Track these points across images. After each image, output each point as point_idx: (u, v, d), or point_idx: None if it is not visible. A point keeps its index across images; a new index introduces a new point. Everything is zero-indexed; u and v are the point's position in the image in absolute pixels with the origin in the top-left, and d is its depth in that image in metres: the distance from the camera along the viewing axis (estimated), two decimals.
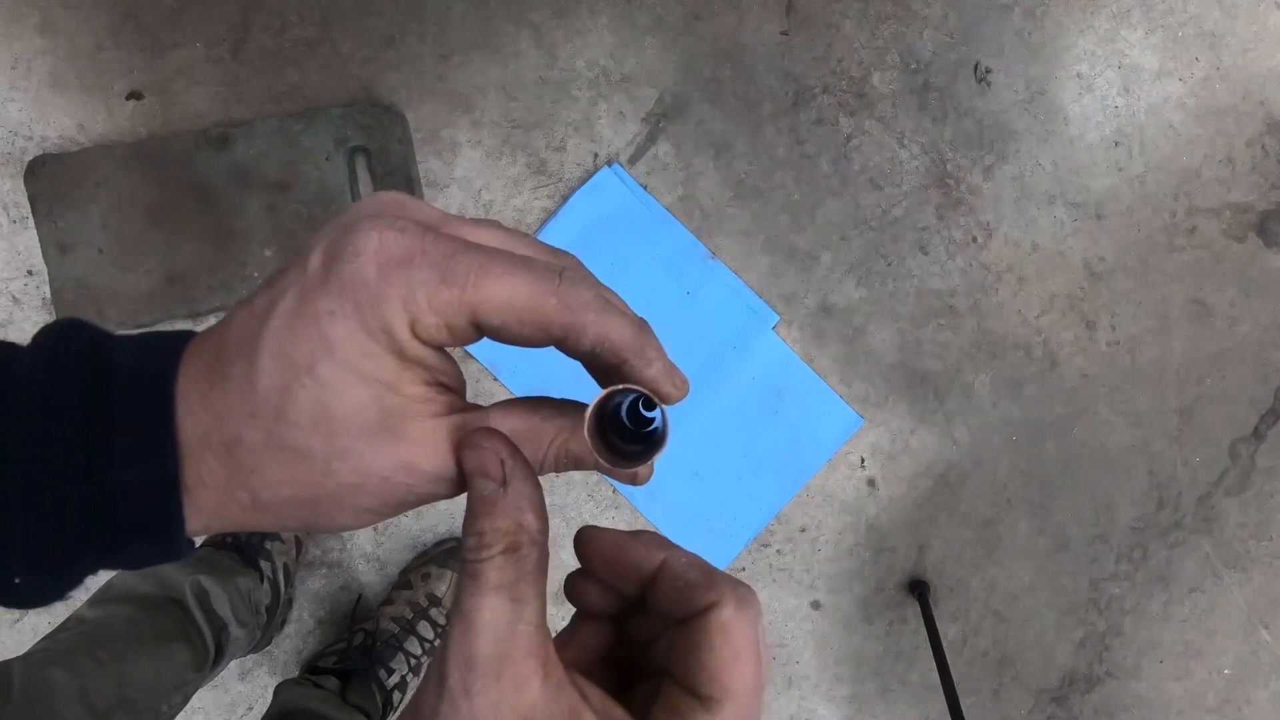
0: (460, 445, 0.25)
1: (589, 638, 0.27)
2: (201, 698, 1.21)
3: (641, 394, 0.26)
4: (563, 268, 0.25)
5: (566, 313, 0.24)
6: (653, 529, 1.22)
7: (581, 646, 0.27)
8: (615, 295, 0.26)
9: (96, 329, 0.25)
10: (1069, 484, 1.26)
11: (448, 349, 0.25)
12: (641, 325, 0.26)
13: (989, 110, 1.20)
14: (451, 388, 0.26)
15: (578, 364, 0.27)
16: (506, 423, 0.26)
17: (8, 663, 0.78)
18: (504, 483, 0.24)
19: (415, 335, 0.23)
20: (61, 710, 0.77)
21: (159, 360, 0.24)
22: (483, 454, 0.24)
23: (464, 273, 0.23)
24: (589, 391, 0.26)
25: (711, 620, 0.23)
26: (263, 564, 1.08)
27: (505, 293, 0.23)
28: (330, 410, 0.23)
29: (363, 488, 0.24)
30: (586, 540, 0.26)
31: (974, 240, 1.22)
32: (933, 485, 1.25)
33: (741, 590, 0.24)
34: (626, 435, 0.27)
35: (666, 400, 0.26)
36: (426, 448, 0.24)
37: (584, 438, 0.25)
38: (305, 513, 0.25)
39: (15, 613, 1.19)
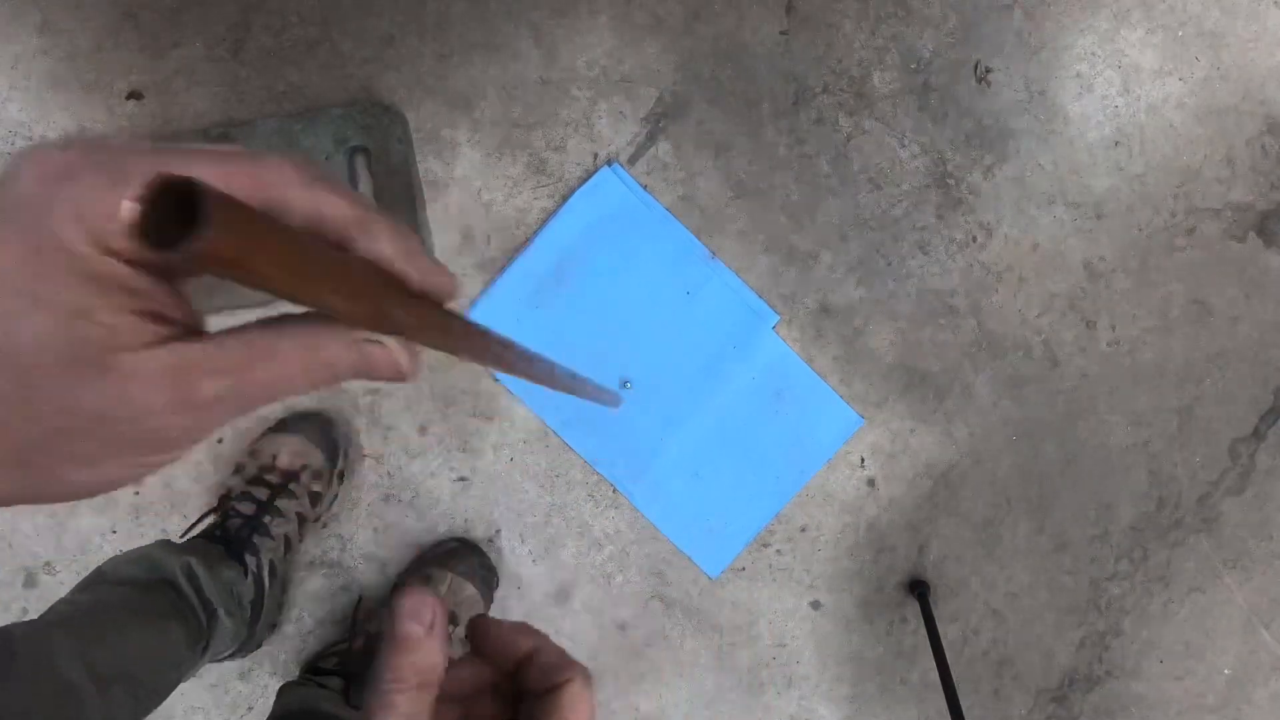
0: (397, 590, 0.27)
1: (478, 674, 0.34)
2: (201, 698, 1.21)
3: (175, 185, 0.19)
4: (267, 155, 0.23)
5: (262, 189, 0.22)
6: (650, 530, 1.22)
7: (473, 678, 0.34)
8: (341, 182, 0.24)
9: None
10: (1069, 484, 1.26)
11: (173, 280, 0.23)
12: (363, 202, 0.24)
13: (989, 110, 1.20)
14: (170, 319, 0.23)
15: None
16: (234, 354, 0.23)
17: (8, 627, 0.77)
18: (430, 628, 0.28)
19: (106, 252, 0.21)
20: (64, 670, 0.76)
21: None
22: (419, 601, 0.28)
23: (135, 172, 0.21)
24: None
25: (566, 692, 0.30)
26: (248, 558, 1.06)
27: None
28: (13, 343, 0.21)
29: (79, 430, 0.22)
30: (476, 630, 0.33)
31: (974, 240, 1.22)
32: (933, 485, 1.25)
33: (585, 670, 0.31)
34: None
35: (445, 297, 0.26)
36: (140, 380, 0.22)
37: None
38: (17, 473, 0.22)
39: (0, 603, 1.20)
